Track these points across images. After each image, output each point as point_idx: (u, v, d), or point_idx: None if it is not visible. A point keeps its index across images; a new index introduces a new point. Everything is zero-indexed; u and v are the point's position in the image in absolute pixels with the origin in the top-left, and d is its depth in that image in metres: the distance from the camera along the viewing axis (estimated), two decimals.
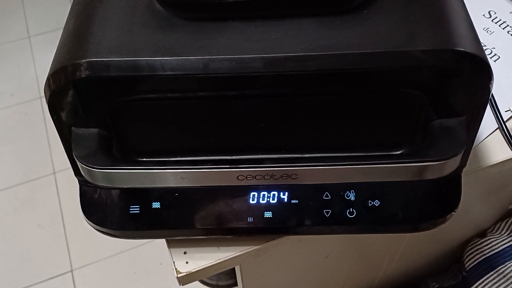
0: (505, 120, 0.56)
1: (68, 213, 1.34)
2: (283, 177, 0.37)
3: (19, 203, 1.36)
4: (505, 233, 0.77)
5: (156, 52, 0.36)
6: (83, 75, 0.36)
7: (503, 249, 0.76)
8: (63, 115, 0.39)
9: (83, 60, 0.36)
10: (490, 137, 0.57)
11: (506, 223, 0.77)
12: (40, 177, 1.41)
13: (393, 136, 0.42)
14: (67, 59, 0.37)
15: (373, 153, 0.42)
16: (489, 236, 0.79)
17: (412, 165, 0.37)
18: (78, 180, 0.46)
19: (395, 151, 0.43)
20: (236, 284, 1.21)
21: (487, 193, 0.68)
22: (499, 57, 0.61)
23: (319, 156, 0.42)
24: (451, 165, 0.38)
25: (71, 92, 0.37)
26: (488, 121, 0.57)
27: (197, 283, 1.21)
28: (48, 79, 0.37)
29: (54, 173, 1.42)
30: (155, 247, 1.24)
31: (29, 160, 1.45)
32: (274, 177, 0.38)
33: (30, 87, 1.62)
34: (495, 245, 0.77)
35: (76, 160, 0.38)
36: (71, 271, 1.23)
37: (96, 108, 0.39)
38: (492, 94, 0.57)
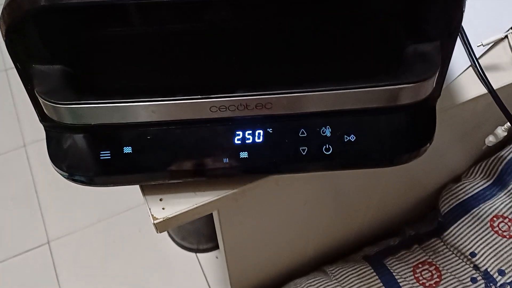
0: (477, 56, 0.56)
1: (41, 186, 1.31)
2: (257, 107, 0.36)
3: None
4: (478, 176, 0.79)
5: None
6: (42, 3, 0.34)
7: (477, 192, 0.78)
8: (23, 51, 0.37)
9: None
10: (463, 75, 0.57)
11: (479, 167, 0.78)
12: (10, 151, 1.38)
13: (367, 65, 0.41)
14: None
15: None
16: (463, 180, 0.80)
17: (386, 88, 0.36)
18: (44, 127, 0.44)
19: None
20: (216, 248, 1.21)
21: (461, 135, 0.69)
22: None
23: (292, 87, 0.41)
24: (425, 88, 0.37)
25: (29, 25, 0.35)
26: (460, 58, 0.57)
27: (178, 249, 1.21)
28: (2, 12, 0.35)
29: (24, 146, 1.38)
30: (133, 215, 1.22)
31: None
32: (248, 107, 0.36)
33: None
34: (469, 189, 0.78)
35: (39, 97, 0.36)
36: (48, 242, 1.21)
37: (59, 42, 0.37)
38: (463, 29, 0.57)
